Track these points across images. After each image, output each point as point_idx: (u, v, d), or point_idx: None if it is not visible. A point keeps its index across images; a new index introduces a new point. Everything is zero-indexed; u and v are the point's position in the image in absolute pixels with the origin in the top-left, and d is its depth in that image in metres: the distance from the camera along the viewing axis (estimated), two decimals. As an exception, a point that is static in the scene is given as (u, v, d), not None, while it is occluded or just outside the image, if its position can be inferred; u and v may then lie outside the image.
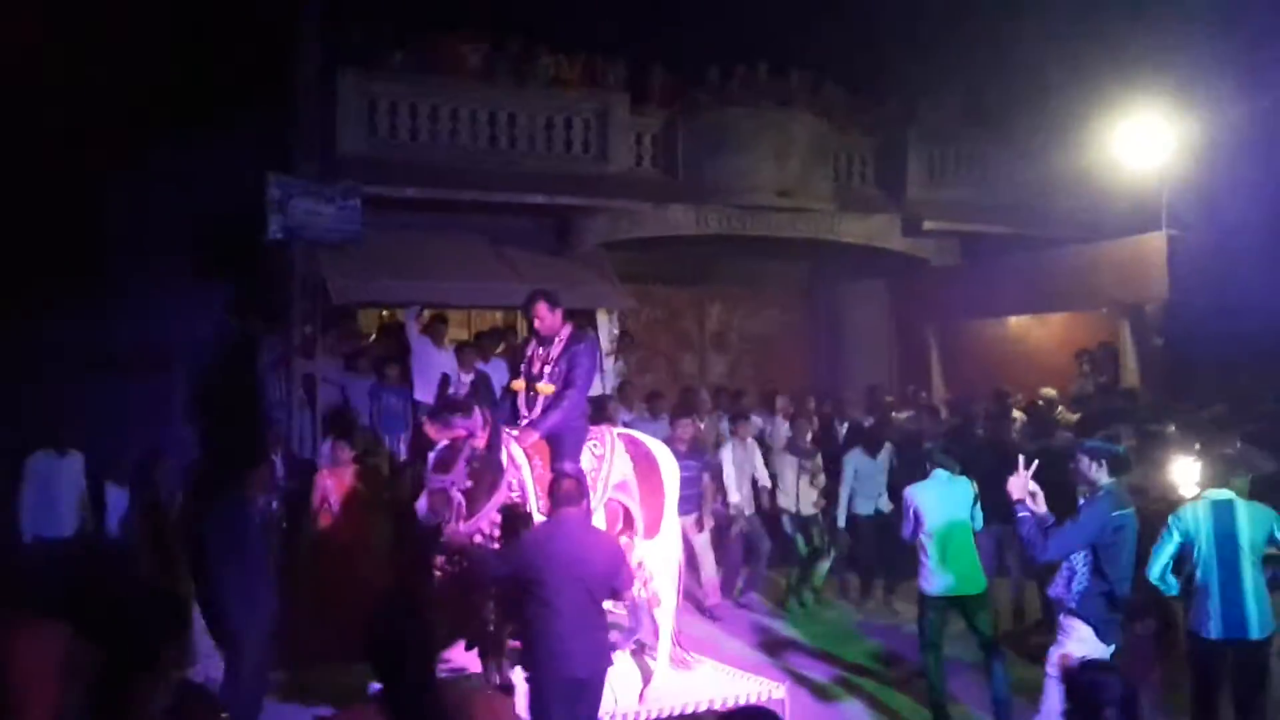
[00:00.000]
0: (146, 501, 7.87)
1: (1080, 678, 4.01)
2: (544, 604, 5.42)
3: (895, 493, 9.88)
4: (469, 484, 6.13)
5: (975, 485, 7.31)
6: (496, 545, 6.19)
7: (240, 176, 10.77)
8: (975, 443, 9.89)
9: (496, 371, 11.78)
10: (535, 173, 13.60)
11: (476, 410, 6.31)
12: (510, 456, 6.37)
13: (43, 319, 9.75)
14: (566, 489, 5.70)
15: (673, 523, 7.11)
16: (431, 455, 6.32)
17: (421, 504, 6.15)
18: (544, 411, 6.65)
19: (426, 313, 11.73)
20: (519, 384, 6.86)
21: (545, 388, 6.72)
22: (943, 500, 7.10)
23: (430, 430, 6.32)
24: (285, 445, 10.27)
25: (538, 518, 6.25)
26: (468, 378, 11.42)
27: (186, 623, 2.77)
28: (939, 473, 7.21)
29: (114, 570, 7.39)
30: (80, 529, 8.93)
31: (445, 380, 10.50)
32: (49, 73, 10.57)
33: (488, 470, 6.21)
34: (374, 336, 12.73)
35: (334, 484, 9.02)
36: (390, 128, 13.16)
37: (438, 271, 12.41)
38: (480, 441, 6.22)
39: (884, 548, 9.96)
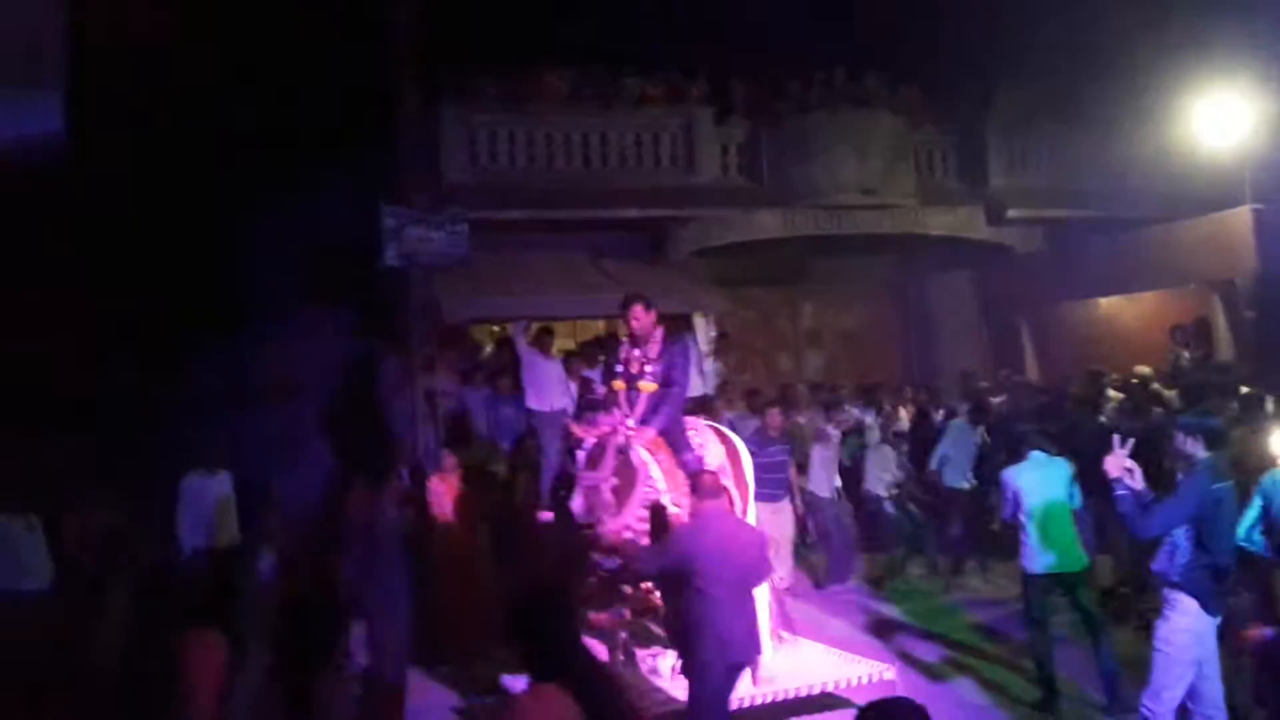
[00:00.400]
0: (269, 519, 8.14)
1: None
2: (702, 594, 5.48)
3: (981, 472, 9.87)
4: (615, 480, 6.28)
5: (1072, 464, 7.22)
6: (645, 540, 6.28)
7: (356, 210, 11.09)
8: (1068, 421, 9.72)
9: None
10: (627, 188, 13.71)
11: (615, 408, 6.51)
12: (637, 453, 6.53)
13: (189, 359, 10.17)
14: (709, 484, 5.77)
15: (752, 508, 7.17)
16: (580, 454, 6.50)
17: (578, 502, 6.28)
18: (653, 409, 6.77)
19: (534, 326, 11.92)
20: (620, 384, 6.96)
21: (647, 386, 6.86)
22: (1041, 481, 7.08)
23: (577, 430, 6.51)
24: (412, 456, 10.53)
25: (673, 510, 6.35)
26: (575, 385, 11.61)
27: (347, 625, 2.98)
28: (1036, 454, 7.15)
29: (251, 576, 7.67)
30: (230, 539, 9.29)
31: (586, 383, 10.65)
32: (173, 114, 10.95)
33: (627, 467, 6.32)
34: (488, 351, 12.97)
35: (444, 490, 9.23)
36: (490, 155, 13.41)
37: (541, 286, 12.62)
38: (621, 438, 6.39)
39: (972, 523, 9.94)
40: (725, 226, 14.32)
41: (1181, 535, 5.64)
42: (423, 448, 10.85)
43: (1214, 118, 13.09)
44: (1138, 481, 5.68)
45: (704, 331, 13.14)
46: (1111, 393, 11.50)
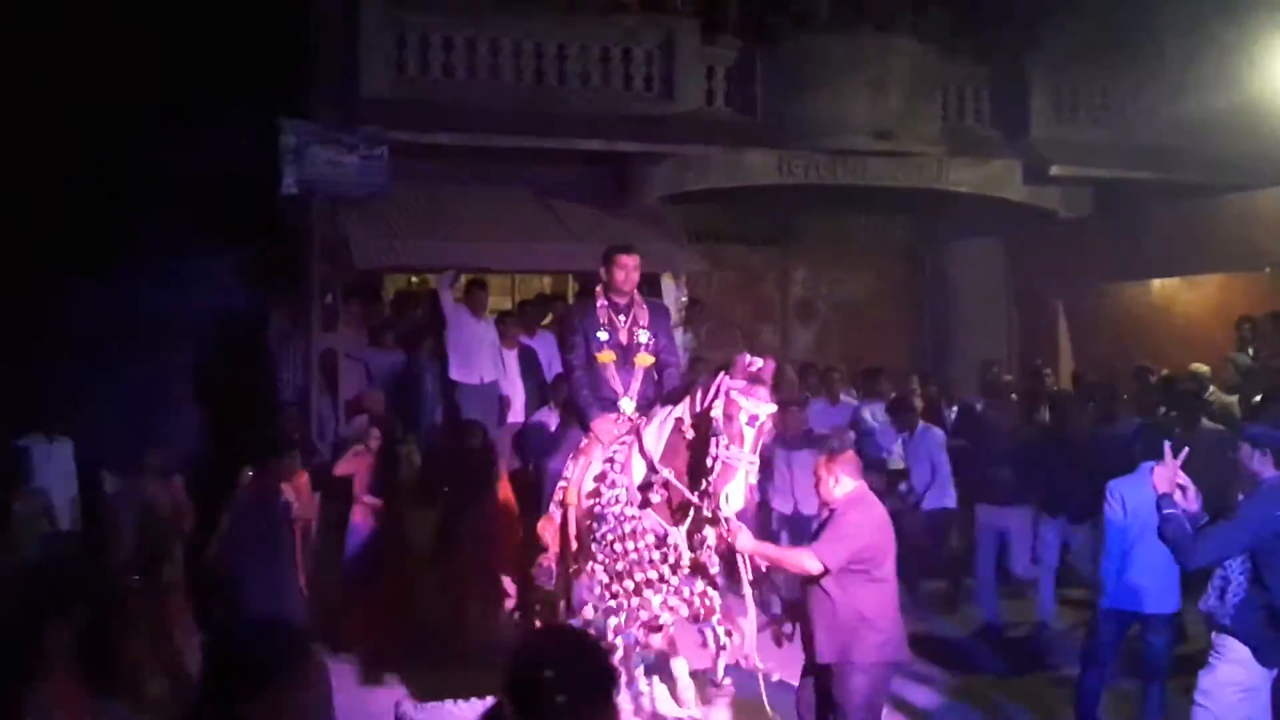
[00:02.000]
0: (135, 494, 8.14)
1: None
2: (880, 581, 6.04)
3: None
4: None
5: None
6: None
7: (256, 128, 10.96)
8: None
9: (544, 346, 11.93)
10: (589, 114, 13.60)
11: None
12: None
13: (49, 303, 10.07)
14: (856, 459, 6.31)
15: None
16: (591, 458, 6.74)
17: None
18: (654, 389, 6.95)
19: (463, 278, 11.85)
20: (609, 355, 6.96)
21: (645, 359, 6.94)
22: (1148, 498, 6.98)
23: (598, 429, 6.83)
24: (302, 430, 10.48)
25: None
26: (511, 354, 11.59)
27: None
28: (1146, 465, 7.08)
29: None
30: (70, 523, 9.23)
31: (527, 353, 10.71)
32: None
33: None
34: (401, 306, 12.90)
35: (357, 474, 9.19)
36: (420, 65, 13.23)
37: (476, 230, 12.54)
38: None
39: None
40: (706, 168, 14.27)
41: (1236, 569, 5.71)
42: (315, 420, 10.80)
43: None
44: (1192, 501, 5.74)
45: (673, 296, 13.14)
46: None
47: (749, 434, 5.82)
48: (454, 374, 11.29)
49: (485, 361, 11.39)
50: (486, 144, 13.00)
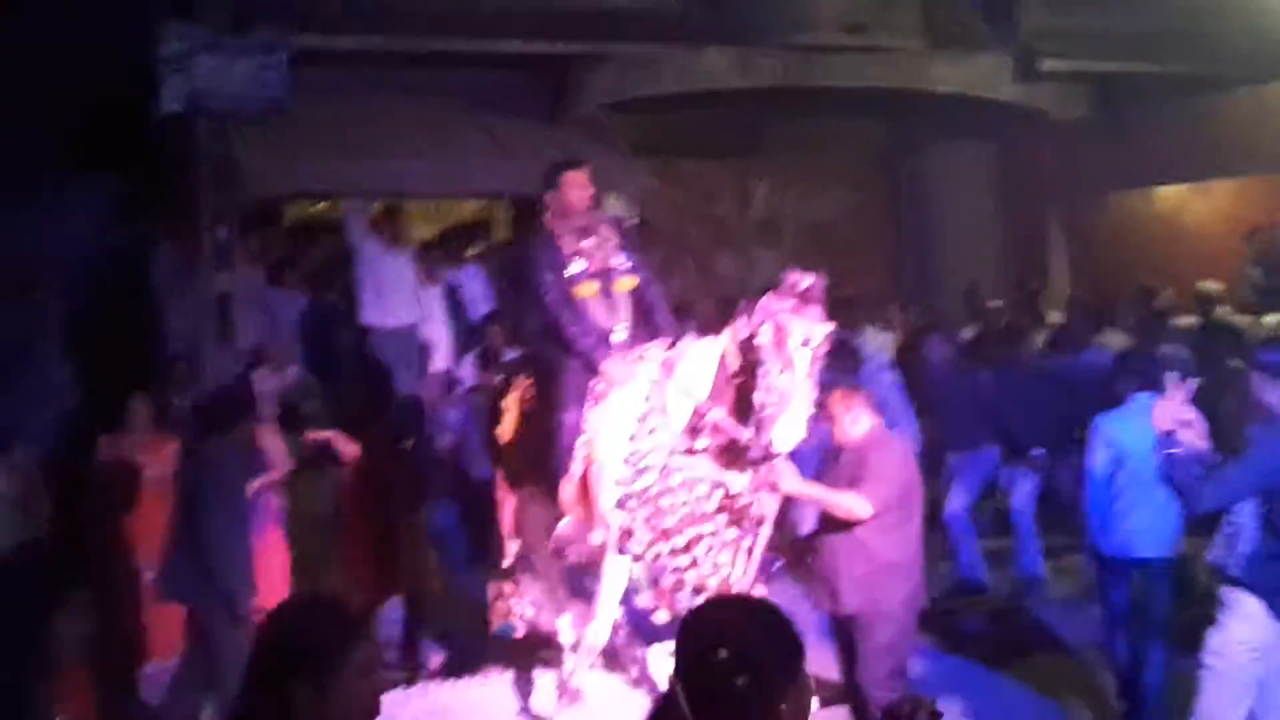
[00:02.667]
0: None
1: None
2: (910, 524, 6.42)
3: None
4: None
5: None
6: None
7: (131, 33, 10.72)
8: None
9: (473, 281, 11.81)
10: (518, 11, 13.33)
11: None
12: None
13: None
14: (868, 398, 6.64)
15: None
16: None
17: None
18: (652, 312, 7.09)
19: (376, 204, 11.68)
20: (591, 287, 6.92)
21: (627, 283, 7.01)
22: (1144, 433, 6.82)
23: (611, 371, 6.78)
24: (196, 387, 10.33)
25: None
26: (433, 292, 11.47)
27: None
28: (1141, 397, 7.10)
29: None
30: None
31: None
32: None
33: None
34: (305, 238, 12.75)
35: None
36: (324, -43, 13.00)
37: (391, 149, 12.38)
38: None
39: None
40: (654, 71, 14.09)
41: (1247, 514, 5.70)
42: (210, 375, 10.68)
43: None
44: (1199, 437, 5.71)
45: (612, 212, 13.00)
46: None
47: (802, 358, 5.88)
48: (365, 316, 11.15)
49: (402, 301, 11.25)
50: (401, 48, 12.75)
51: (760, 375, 5.93)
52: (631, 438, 6.49)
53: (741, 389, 6.16)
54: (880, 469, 6.29)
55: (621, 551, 6.52)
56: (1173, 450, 5.70)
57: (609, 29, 13.67)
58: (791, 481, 6.19)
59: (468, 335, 11.24)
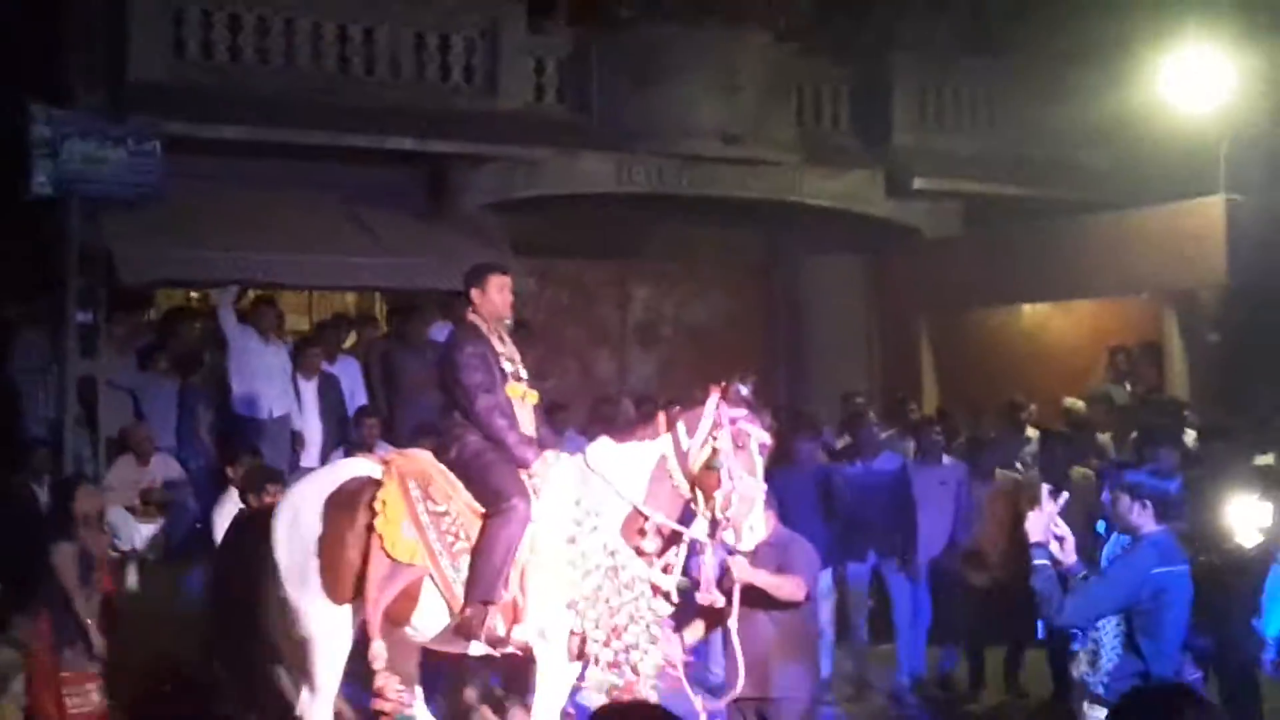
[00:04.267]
0: None
1: None
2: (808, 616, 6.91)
3: None
4: None
5: None
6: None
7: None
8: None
9: (347, 374, 11.65)
10: (400, 108, 13.49)
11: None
12: None
13: None
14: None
15: None
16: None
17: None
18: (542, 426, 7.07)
19: (249, 293, 11.53)
20: (519, 390, 6.83)
21: (534, 395, 6.93)
22: None
23: None
24: (55, 475, 10.04)
25: None
26: (310, 384, 11.29)
27: None
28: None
29: None
30: None
31: (329, 380, 10.39)
32: None
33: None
34: (175, 325, 12.48)
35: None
36: (202, 45, 13.00)
37: (267, 240, 12.25)
38: None
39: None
40: (535, 173, 14.25)
41: (1109, 632, 5.74)
42: (72, 461, 10.39)
43: (1188, 78, 13.54)
44: (1069, 553, 5.76)
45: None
46: (1031, 431, 11.87)
47: (759, 462, 6.39)
48: (237, 407, 10.92)
49: (275, 392, 11.05)
50: (280, 139, 12.77)
51: (723, 478, 6.26)
52: (571, 540, 6.44)
53: (678, 493, 6.47)
54: (801, 559, 6.68)
55: (576, 656, 6.44)
56: (1040, 562, 5.75)
57: (489, 131, 13.79)
58: (746, 571, 6.41)
59: (339, 428, 11.05)
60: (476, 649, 6.69)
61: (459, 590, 6.37)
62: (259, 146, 12.68)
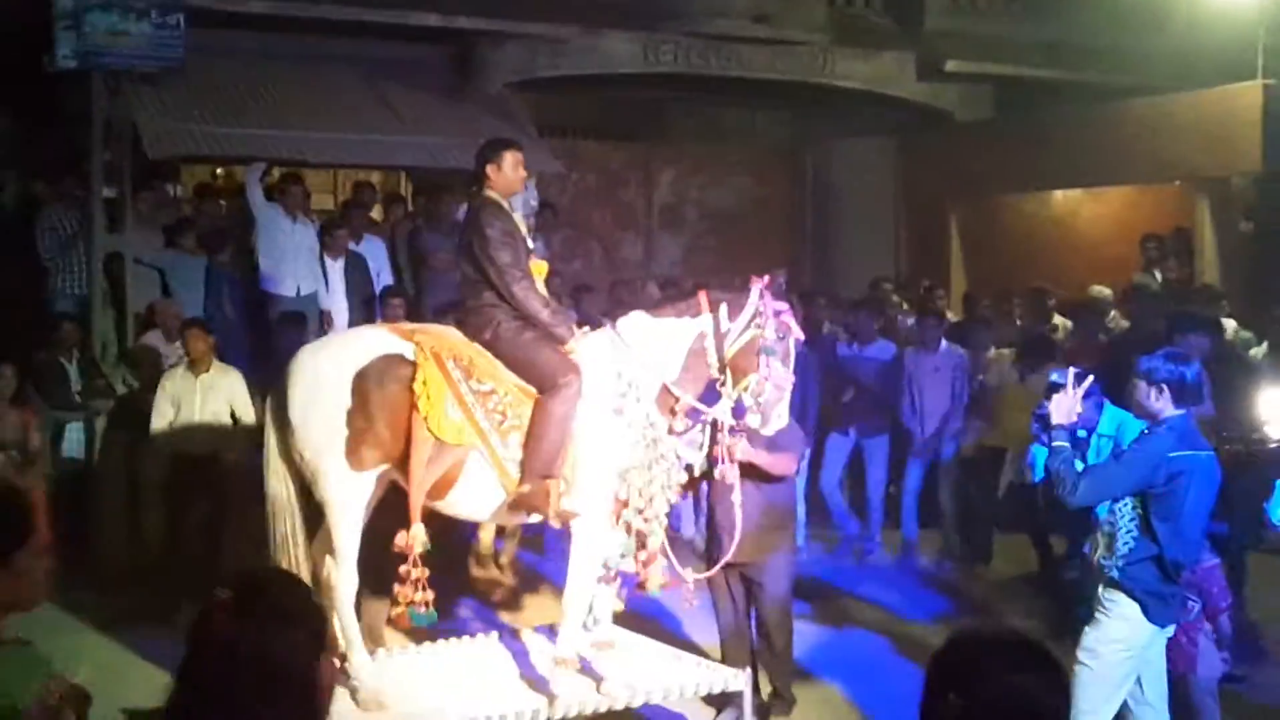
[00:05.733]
0: None
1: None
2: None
3: None
4: None
5: None
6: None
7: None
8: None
9: (373, 253, 11.70)
10: (426, -17, 13.35)
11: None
12: None
13: None
14: None
15: None
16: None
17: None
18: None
19: (275, 171, 11.53)
20: (543, 267, 6.94)
21: (542, 267, 6.91)
22: None
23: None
24: (83, 351, 10.16)
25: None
26: (336, 263, 11.34)
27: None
28: None
29: None
30: None
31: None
32: None
33: None
34: (202, 201, 12.53)
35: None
36: (228, -85, 12.79)
37: (292, 117, 12.25)
38: None
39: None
40: (559, 52, 14.13)
41: (1126, 515, 5.82)
42: (99, 339, 10.49)
43: (1225, -42, 13.40)
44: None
45: (520, 199, 12.85)
46: (1058, 319, 11.89)
47: (793, 355, 6.63)
48: (265, 284, 11.00)
49: (302, 270, 11.11)
50: (305, 13, 12.67)
51: (762, 364, 6.44)
52: (618, 410, 6.55)
53: (707, 373, 6.64)
54: (792, 437, 7.12)
55: (617, 520, 6.62)
56: (1060, 443, 5.83)
57: (514, 7, 13.66)
58: (745, 450, 6.80)
59: (365, 307, 11.11)
60: (525, 520, 7.03)
61: (512, 468, 6.44)
62: (284, 20, 12.59)
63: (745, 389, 6.54)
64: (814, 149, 17.24)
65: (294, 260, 11.13)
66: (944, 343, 10.66)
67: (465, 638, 7.35)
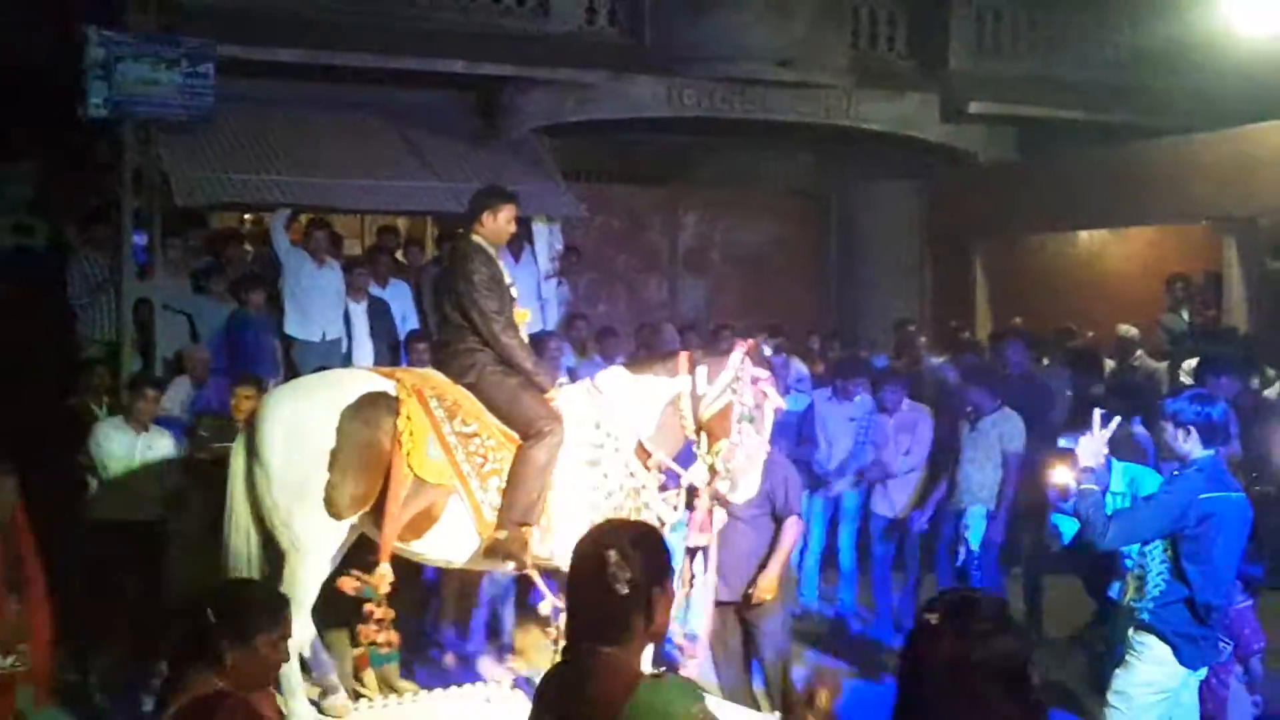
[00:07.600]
0: None
1: None
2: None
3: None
4: None
5: None
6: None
7: (52, 34, 10.56)
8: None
9: (398, 298, 11.76)
10: (452, 31, 13.50)
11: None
12: None
13: None
14: None
15: None
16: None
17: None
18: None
19: (302, 217, 11.61)
20: (526, 314, 6.97)
21: (524, 314, 6.91)
22: None
23: None
24: (114, 396, 10.18)
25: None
26: (360, 306, 11.40)
27: None
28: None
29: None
30: None
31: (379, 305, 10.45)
32: None
33: None
34: (229, 248, 12.59)
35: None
36: (255, -33, 12.93)
37: (319, 164, 12.37)
38: None
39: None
40: (586, 97, 14.24)
41: (1155, 557, 5.80)
42: (127, 383, 10.51)
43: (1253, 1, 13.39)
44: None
45: (546, 243, 13.01)
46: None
47: (769, 425, 6.65)
48: (290, 329, 11.06)
49: (328, 315, 11.17)
50: (333, 62, 12.83)
51: (734, 431, 6.51)
52: (594, 462, 6.56)
53: (680, 436, 6.67)
54: (796, 480, 7.30)
55: None
56: (1089, 486, 5.81)
57: (541, 54, 13.79)
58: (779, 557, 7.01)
59: (391, 352, 11.16)
60: (499, 567, 6.81)
61: (488, 513, 6.39)
62: (313, 69, 12.73)
63: (717, 454, 6.58)
64: (838, 191, 17.27)
65: (319, 305, 11.19)
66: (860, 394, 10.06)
67: (452, 688, 7.11)
